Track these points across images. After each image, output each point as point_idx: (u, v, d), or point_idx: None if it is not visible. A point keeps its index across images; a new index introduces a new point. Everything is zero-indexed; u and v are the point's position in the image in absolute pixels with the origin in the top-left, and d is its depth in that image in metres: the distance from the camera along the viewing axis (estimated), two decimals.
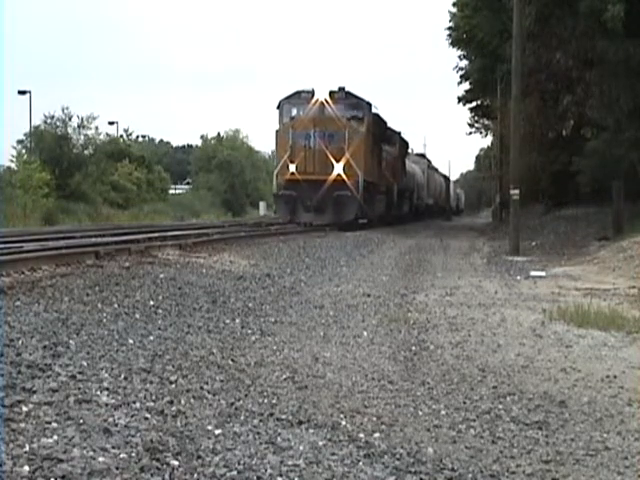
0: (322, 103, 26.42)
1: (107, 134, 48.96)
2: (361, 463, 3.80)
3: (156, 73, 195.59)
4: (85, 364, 4.90)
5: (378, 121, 30.64)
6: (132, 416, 4.01)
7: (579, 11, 21.01)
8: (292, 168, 25.81)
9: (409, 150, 47.33)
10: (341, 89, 27.17)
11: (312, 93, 26.59)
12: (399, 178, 37.41)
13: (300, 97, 26.91)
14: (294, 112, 27.17)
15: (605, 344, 7.31)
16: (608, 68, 21.99)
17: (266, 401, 4.75)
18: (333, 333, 7.45)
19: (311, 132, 26.00)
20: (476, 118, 53.87)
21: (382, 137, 31.96)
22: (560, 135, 37.14)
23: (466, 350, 6.96)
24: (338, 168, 25.61)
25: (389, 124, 38.24)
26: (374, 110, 29.14)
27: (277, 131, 27.21)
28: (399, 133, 38.94)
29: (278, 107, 27.39)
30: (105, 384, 4.49)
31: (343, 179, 25.54)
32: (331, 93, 26.68)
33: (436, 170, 65.40)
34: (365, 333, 7.56)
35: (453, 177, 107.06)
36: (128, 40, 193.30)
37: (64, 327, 5.94)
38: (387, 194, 33.21)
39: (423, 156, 57.45)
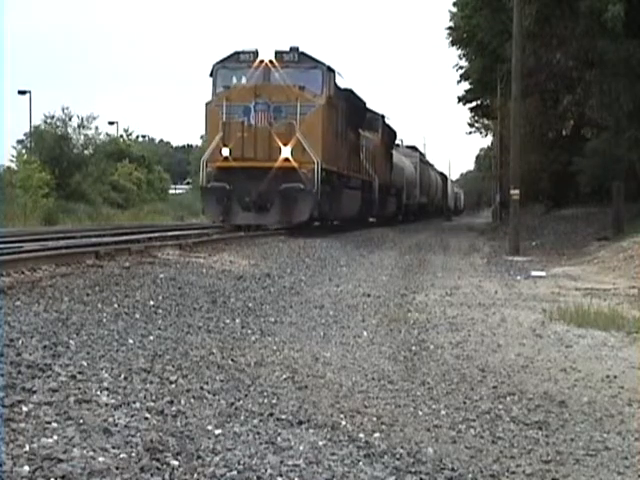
0: (267, 66, 20.23)
1: (107, 134, 49.02)
2: (361, 463, 3.79)
3: (156, 73, 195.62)
4: (85, 364, 4.89)
5: (349, 97, 24.61)
6: (132, 416, 4.01)
7: (579, 11, 21.03)
8: (225, 152, 19.70)
9: (398, 141, 42.08)
10: (293, 49, 20.84)
11: (254, 54, 20.45)
12: (382, 171, 31.76)
13: (239, 60, 20.80)
14: (232, 79, 21.10)
15: (605, 344, 7.31)
16: (608, 68, 22.00)
17: (266, 401, 4.74)
18: (333, 333, 7.45)
19: (251, 105, 19.96)
20: (476, 118, 53.96)
21: (356, 118, 25.92)
22: (560, 135, 37.21)
23: (466, 350, 6.96)
24: (286, 152, 19.39)
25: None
26: (341, 81, 23.10)
27: (207, 104, 20.89)
28: (382, 117, 33.05)
29: (211, 74, 21.12)
30: (105, 384, 4.49)
31: (293, 167, 19.41)
32: (278, 54, 20.48)
33: (431, 165, 59.46)
34: (365, 333, 7.56)
35: (453, 177, 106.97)
36: (128, 40, 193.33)
37: (64, 327, 5.93)
38: (364, 190, 27.42)
39: (415, 149, 50.37)
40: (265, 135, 19.67)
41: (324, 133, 20.48)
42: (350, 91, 24.88)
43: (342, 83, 23.59)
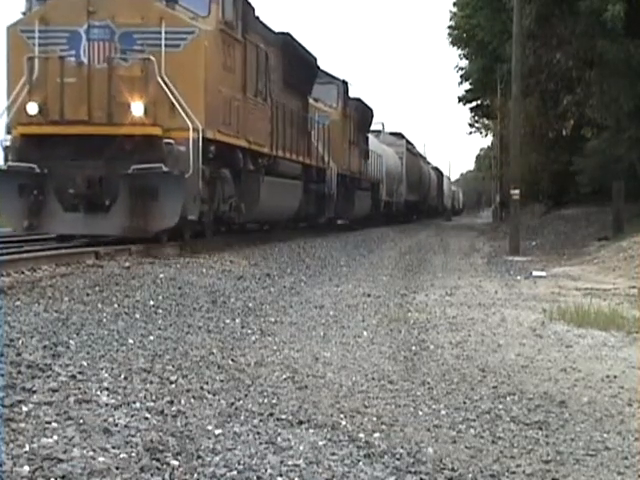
0: None
1: None
2: (361, 463, 3.79)
3: None
4: (85, 364, 4.89)
5: (286, 44, 17.49)
6: (132, 416, 4.01)
7: (579, 11, 21.04)
8: (32, 110, 11.98)
9: (378, 126, 36.20)
10: None
11: None
12: (345, 157, 24.68)
13: None
14: None
15: (605, 344, 7.31)
16: (608, 68, 22.02)
17: (266, 401, 4.74)
18: (333, 333, 7.45)
19: (81, 29, 12.02)
20: (476, 118, 54.07)
21: (300, 78, 18.71)
22: (560, 135, 37.22)
23: (466, 350, 6.96)
24: (137, 109, 11.76)
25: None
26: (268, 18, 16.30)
27: (8, 28, 12.49)
28: (344, 83, 25.06)
29: None
30: (105, 384, 4.49)
31: (150, 134, 11.81)
32: None
33: (423, 158, 52.97)
34: (365, 333, 7.56)
35: (453, 177, 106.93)
36: None
37: (64, 327, 5.94)
38: (308, 180, 19.96)
39: (401, 136, 42.36)
40: (103, 81, 11.92)
41: (210, 79, 12.48)
42: (287, 36, 17.69)
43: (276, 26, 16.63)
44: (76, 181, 11.82)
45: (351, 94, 27.11)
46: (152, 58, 11.86)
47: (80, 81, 12.00)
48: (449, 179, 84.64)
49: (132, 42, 12.09)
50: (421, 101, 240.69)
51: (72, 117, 12.04)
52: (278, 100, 16.67)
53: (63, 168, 11.91)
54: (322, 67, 22.65)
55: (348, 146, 25.64)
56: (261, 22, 15.85)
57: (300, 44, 18.73)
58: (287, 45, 17.56)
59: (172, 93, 11.82)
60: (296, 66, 18.04)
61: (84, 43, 12.07)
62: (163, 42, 11.93)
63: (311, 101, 20.89)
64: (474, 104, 46.55)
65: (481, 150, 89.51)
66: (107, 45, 12.04)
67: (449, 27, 37.61)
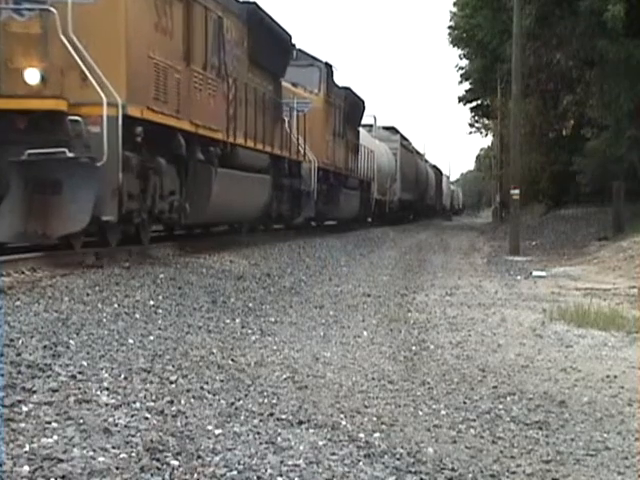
0: None
1: None
2: (361, 463, 3.79)
3: None
4: (85, 364, 4.89)
5: (252, 14, 14.94)
6: (132, 416, 4.01)
7: (579, 11, 21.07)
8: None
9: (370, 119, 34.12)
10: None
11: None
12: (328, 150, 22.15)
13: None
14: None
15: (605, 344, 7.31)
16: (608, 68, 22.06)
17: (266, 401, 4.74)
18: (333, 333, 7.45)
19: None
20: (476, 118, 54.16)
21: (268, 56, 15.85)
22: (560, 135, 37.28)
23: (466, 350, 6.96)
24: (32, 76, 9.29)
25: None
26: None
27: None
28: (328, 66, 22.30)
29: None
30: (105, 384, 4.49)
31: (51, 110, 9.40)
32: None
33: (420, 155, 50.31)
34: (365, 333, 7.56)
35: (453, 177, 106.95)
36: None
37: (64, 327, 5.93)
38: (280, 177, 17.50)
39: (395, 130, 39.91)
40: None
41: (135, 40, 9.92)
42: (253, 5, 15.09)
43: None
44: None
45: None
46: (54, 10, 9.20)
47: None
48: (448, 178, 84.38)
49: None
50: (421, 101, 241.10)
51: None
52: (239, 79, 14.03)
53: None
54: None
55: (332, 138, 22.78)
56: None
57: (270, 17, 15.89)
58: (253, 16, 14.77)
59: (81, 57, 9.22)
60: (265, 42, 15.38)
61: None
62: None
63: (288, 85, 18.59)
64: (474, 104, 46.64)
65: (481, 150, 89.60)
66: None
67: (449, 27, 37.65)
